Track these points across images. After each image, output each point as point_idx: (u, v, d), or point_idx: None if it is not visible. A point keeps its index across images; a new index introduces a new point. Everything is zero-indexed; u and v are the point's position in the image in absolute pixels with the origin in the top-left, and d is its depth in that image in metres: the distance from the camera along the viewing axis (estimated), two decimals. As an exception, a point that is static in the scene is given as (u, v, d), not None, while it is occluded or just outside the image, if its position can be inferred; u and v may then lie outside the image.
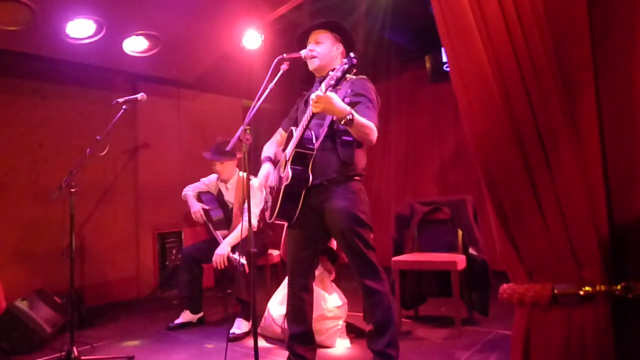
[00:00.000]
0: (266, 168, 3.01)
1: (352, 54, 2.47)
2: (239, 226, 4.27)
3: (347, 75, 2.48)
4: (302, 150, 2.74)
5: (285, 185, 2.73)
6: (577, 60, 1.37)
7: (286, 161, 2.80)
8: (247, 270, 3.79)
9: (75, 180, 3.45)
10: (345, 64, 2.45)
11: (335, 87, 2.48)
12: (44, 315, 3.91)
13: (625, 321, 1.33)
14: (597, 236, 1.34)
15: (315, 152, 2.76)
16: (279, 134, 3.20)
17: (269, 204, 3.00)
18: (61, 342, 3.68)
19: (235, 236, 4.23)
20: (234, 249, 4.14)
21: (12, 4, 3.96)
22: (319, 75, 3.00)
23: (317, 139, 2.78)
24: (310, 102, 2.55)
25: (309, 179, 2.75)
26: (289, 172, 2.72)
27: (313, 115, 2.63)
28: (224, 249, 4.13)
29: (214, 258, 4.13)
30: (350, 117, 2.52)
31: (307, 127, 2.71)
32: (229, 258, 4.08)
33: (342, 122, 2.55)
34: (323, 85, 2.50)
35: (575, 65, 1.37)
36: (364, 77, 2.89)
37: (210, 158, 4.52)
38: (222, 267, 4.12)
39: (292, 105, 3.22)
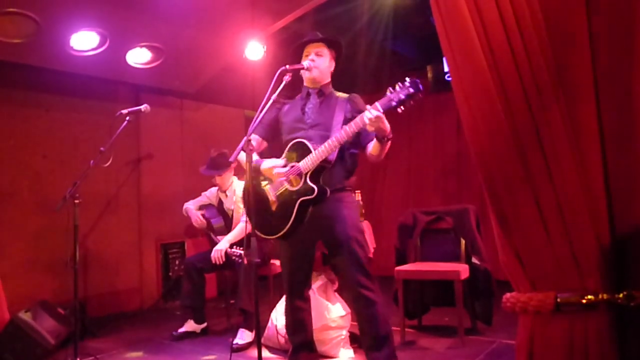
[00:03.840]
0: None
1: (417, 80, 2.48)
2: (239, 226, 4.31)
3: (412, 100, 2.48)
4: (325, 165, 2.77)
5: (304, 200, 2.75)
6: (577, 70, 1.38)
7: (301, 174, 2.79)
8: (245, 261, 3.81)
9: (79, 191, 3.46)
10: (410, 87, 2.46)
11: (396, 108, 2.50)
12: (47, 326, 3.89)
13: (628, 329, 1.34)
14: (599, 245, 1.34)
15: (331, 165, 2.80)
16: (255, 140, 3.08)
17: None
18: (65, 353, 3.69)
19: (234, 234, 4.29)
20: (232, 246, 4.17)
21: (16, 17, 4.00)
22: (313, 87, 3.02)
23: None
24: (366, 120, 2.53)
25: (326, 192, 2.78)
26: (312, 186, 2.73)
27: (358, 132, 2.67)
28: (222, 245, 4.20)
29: (212, 254, 4.18)
30: (390, 137, 2.63)
31: (342, 143, 2.72)
32: (227, 253, 4.10)
33: (381, 140, 2.64)
34: (378, 104, 2.51)
35: (576, 75, 1.38)
36: (356, 95, 2.99)
37: (208, 173, 4.55)
38: (220, 262, 4.16)
39: None
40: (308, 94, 3.04)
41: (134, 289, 5.76)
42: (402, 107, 2.49)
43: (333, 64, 3.05)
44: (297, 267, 2.99)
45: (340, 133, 2.68)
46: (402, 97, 2.45)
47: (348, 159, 2.88)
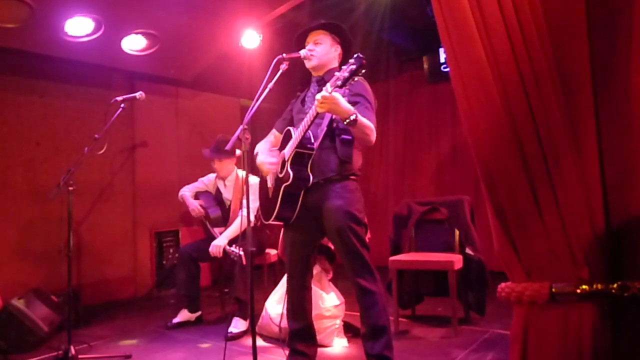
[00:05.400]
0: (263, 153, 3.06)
1: (360, 54, 2.43)
2: (237, 220, 4.29)
3: (355, 76, 2.43)
4: (303, 150, 2.74)
5: (286, 186, 2.74)
6: (575, 64, 1.38)
7: (285, 161, 2.80)
8: (244, 262, 3.82)
9: (73, 178, 3.44)
10: (353, 64, 2.41)
11: (342, 87, 2.44)
12: (40, 314, 3.90)
13: (622, 319, 1.35)
14: (594, 236, 1.35)
15: (314, 152, 2.76)
16: (273, 135, 3.22)
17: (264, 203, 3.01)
18: (58, 341, 3.69)
19: (233, 230, 4.27)
20: (231, 243, 4.16)
21: (10, 1, 3.96)
22: (315, 75, 3.01)
23: (316, 138, 2.78)
24: (316, 102, 2.52)
25: (309, 178, 2.76)
26: (289, 172, 2.72)
27: (316, 115, 2.63)
28: (221, 241, 4.18)
29: (210, 248, 4.16)
30: (354, 118, 2.52)
31: (309, 128, 2.70)
32: (225, 250, 4.10)
33: (346, 122, 2.55)
34: (329, 85, 2.47)
35: (574, 69, 1.38)
36: (362, 77, 2.88)
37: (209, 156, 4.54)
38: (219, 256, 4.17)
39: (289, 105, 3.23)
40: (311, 83, 3.05)
41: (128, 277, 5.76)
42: (347, 84, 2.44)
43: (338, 49, 2.99)
44: (297, 255, 3.01)
45: (306, 119, 2.69)
46: (347, 74, 2.42)
47: (341, 147, 2.80)
